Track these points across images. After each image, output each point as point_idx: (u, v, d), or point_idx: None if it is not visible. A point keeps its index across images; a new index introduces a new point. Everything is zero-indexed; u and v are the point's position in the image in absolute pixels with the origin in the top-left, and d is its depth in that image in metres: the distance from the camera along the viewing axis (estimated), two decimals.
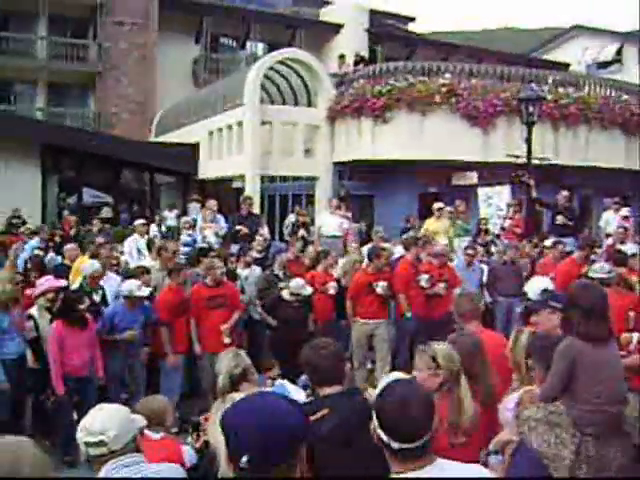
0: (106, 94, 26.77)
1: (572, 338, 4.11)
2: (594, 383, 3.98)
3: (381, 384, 2.58)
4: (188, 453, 3.87)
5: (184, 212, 16.32)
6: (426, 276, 9.17)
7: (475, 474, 2.52)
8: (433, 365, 3.70)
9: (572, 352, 4.03)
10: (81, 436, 2.87)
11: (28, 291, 7.86)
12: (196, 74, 27.73)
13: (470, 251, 10.50)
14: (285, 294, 8.82)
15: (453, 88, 16.09)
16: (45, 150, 19.53)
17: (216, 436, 3.09)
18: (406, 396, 2.41)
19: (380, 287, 8.83)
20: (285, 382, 5.05)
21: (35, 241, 11.79)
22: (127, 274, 9.03)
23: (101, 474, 2.76)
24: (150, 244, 10.77)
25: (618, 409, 4.05)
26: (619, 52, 33.65)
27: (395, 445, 2.36)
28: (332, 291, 9.38)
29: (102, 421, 2.86)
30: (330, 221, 13.63)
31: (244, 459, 1.88)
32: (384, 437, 2.38)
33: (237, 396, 3.41)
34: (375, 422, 2.44)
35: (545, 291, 5.70)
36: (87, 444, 2.84)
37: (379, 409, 2.45)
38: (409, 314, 9.14)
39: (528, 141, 12.56)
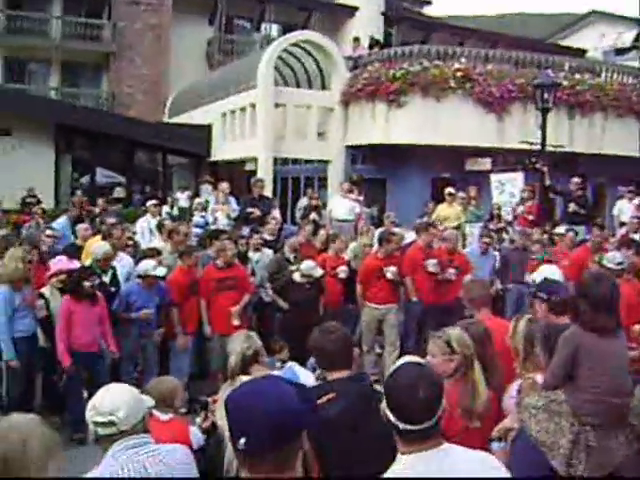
0: (120, 74, 26.78)
1: (577, 326, 4.10)
2: (598, 373, 3.97)
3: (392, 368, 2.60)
4: (196, 435, 3.89)
5: (196, 194, 16.32)
6: (434, 261, 9.12)
7: (480, 460, 2.51)
8: (447, 350, 3.71)
9: (576, 340, 4.02)
10: (90, 415, 2.86)
11: None
12: (210, 55, 27.67)
13: (486, 239, 10.44)
14: (296, 276, 8.82)
15: (468, 73, 15.94)
16: (59, 130, 19.59)
17: (223, 417, 3.11)
18: (415, 378, 2.42)
19: (390, 272, 8.80)
20: (295, 365, 5.05)
21: (63, 220, 11.71)
22: (140, 255, 9.04)
23: (108, 454, 2.76)
24: (160, 226, 10.73)
25: (622, 401, 4.03)
26: (637, 39, 33.30)
27: (402, 426, 2.38)
28: (343, 275, 9.36)
29: (112, 401, 2.85)
30: (342, 205, 13.59)
31: (242, 441, 1.89)
32: (392, 417, 2.41)
33: (246, 379, 3.41)
34: (384, 403, 2.46)
35: (544, 280, 5.61)
36: (96, 423, 2.83)
37: (388, 390, 2.48)
38: (414, 298, 9.14)
39: (543, 128, 12.45)
